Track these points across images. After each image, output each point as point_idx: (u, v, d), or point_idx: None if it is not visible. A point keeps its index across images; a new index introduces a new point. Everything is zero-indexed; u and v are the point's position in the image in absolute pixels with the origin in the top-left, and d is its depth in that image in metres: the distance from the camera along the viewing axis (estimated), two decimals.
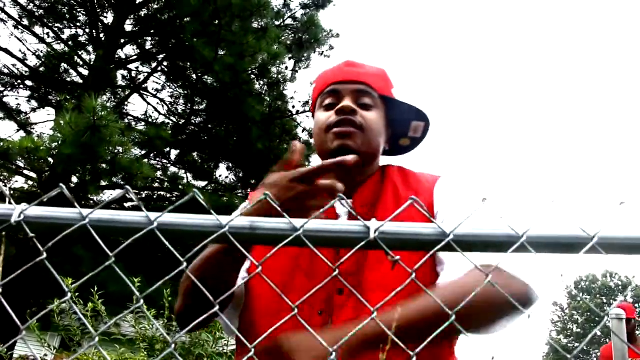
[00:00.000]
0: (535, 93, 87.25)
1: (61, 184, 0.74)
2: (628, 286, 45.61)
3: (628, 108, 74.16)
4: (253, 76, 8.07)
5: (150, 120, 8.89)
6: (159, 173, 8.17)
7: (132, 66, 8.75)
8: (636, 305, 33.44)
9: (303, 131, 8.99)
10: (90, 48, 8.50)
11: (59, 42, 8.42)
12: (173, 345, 0.62)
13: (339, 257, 1.06)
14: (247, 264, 1.21)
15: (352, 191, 1.17)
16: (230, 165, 8.71)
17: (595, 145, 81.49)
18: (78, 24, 8.47)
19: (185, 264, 0.69)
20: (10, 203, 0.75)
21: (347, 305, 1.02)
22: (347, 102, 1.19)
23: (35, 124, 8.60)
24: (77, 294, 3.86)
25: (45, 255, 0.71)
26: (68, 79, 8.38)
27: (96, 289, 3.80)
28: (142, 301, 0.69)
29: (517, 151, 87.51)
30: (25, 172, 7.06)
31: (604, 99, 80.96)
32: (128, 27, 8.22)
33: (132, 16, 8.16)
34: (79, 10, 8.35)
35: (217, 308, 0.66)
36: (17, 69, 8.19)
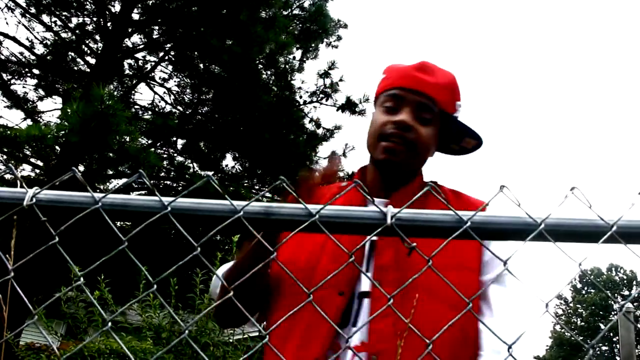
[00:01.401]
0: (559, 81, 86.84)
1: (73, 167, 0.73)
2: (633, 280, 45.51)
3: None
4: (261, 66, 8.03)
5: (157, 109, 8.90)
6: (165, 162, 8.17)
7: (139, 55, 8.73)
8: None
9: (310, 122, 8.97)
10: (97, 37, 8.48)
11: (66, 30, 8.41)
12: (187, 332, 0.61)
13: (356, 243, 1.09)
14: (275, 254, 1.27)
15: (391, 191, 1.23)
16: (237, 155, 8.71)
17: (615, 134, 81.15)
18: (85, 13, 8.44)
19: (198, 249, 0.68)
20: (22, 187, 0.75)
21: (384, 300, 1.04)
22: (405, 116, 1.20)
23: (43, 112, 8.62)
24: (84, 282, 3.85)
25: (57, 239, 0.71)
26: (75, 68, 8.39)
27: (103, 276, 3.80)
28: (155, 286, 0.68)
29: (536, 139, 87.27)
30: (32, 160, 7.07)
31: (626, 88, 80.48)
32: (135, 15, 8.18)
33: (139, 5, 8.12)
34: None
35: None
36: (25, 57, 8.19)
